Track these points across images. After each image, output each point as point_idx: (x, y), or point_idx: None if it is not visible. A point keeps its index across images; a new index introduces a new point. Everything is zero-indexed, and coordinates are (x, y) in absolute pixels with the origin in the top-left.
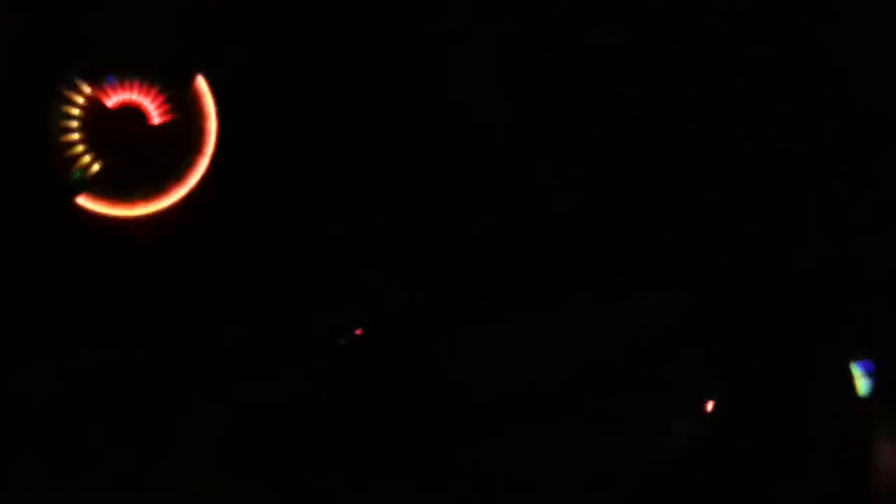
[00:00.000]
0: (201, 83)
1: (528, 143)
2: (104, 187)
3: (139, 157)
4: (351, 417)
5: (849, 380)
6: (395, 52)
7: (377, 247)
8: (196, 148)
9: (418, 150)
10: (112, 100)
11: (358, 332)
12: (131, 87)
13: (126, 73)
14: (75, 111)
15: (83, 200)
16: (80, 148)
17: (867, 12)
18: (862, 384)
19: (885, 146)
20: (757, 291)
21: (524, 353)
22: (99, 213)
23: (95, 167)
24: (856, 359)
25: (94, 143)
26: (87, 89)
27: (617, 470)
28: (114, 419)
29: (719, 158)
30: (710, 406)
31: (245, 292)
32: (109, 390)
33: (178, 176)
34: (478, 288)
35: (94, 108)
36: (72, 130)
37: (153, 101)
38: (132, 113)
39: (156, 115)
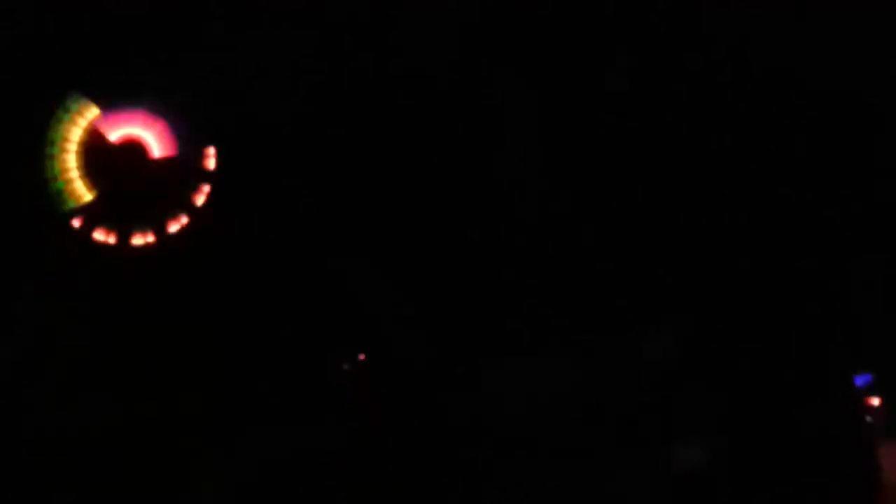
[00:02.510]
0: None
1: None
2: (102, 215)
3: (138, 186)
4: (362, 463)
5: (854, 399)
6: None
7: (385, 285)
8: (196, 179)
9: (428, 180)
10: (114, 130)
11: (361, 356)
12: (134, 118)
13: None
14: (75, 134)
15: (79, 226)
16: (74, 171)
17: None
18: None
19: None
20: (759, 315)
21: (528, 393)
22: (96, 242)
23: (86, 193)
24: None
25: (91, 170)
26: (91, 113)
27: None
28: (118, 470)
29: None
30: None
31: (250, 332)
32: (112, 440)
33: (178, 207)
34: (480, 330)
35: (95, 136)
36: (68, 152)
37: (156, 134)
38: (133, 146)
39: (157, 149)
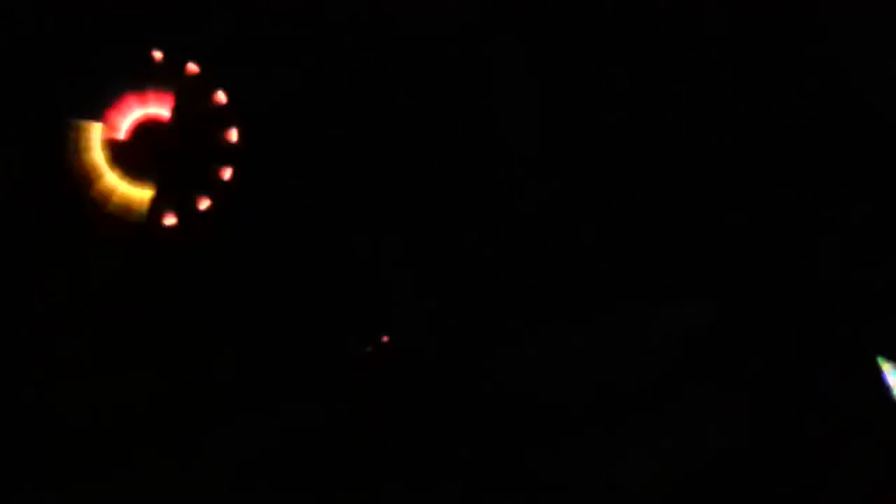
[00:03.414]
0: (220, 95)
1: (552, 152)
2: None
3: (161, 168)
4: (378, 434)
5: (882, 386)
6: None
7: (405, 259)
8: (218, 159)
9: (444, 158)
10: (127, 119)
11: (384, 338)
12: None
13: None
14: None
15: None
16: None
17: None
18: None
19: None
20: (785, 299)
21: (553, 367)
22: (122, 224)
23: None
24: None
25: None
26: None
27: (647, 483)
28: (130, 441)
29: (747, 167)
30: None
31: (270, 309)
32: (124, 410)
33: (201, 188)
34: (507, 299)
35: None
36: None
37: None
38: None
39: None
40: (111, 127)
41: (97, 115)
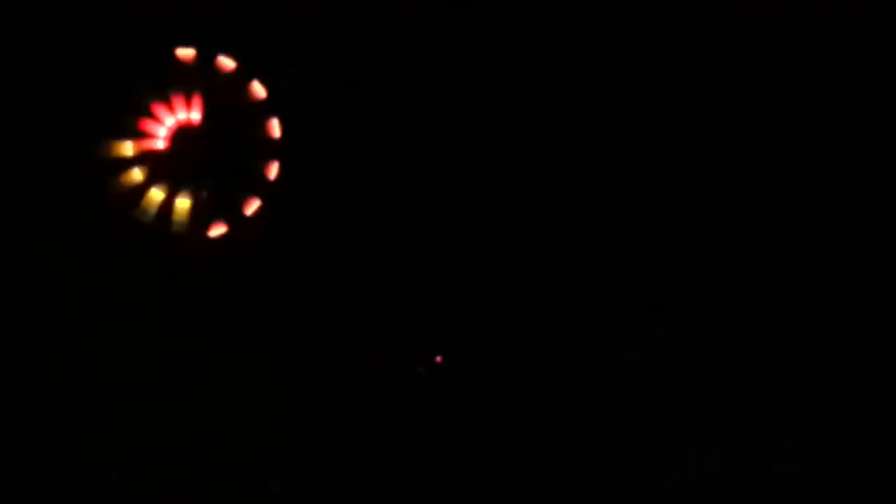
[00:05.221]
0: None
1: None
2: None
3: (205, 177)
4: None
5: None
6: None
7: (469, 263)
8: (262, 170)
9: (506, 164)
10: (166, 125)
11: (438, 359)
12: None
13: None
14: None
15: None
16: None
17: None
18: None
19: None
20: (860, 313)
21: (623, 374)
22: (165, 235)
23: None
24: None
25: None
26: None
27: (719, 494)
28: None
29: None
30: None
31: (323, 316)
32: (181, 419)
33: (246, 196)
34: (580, 309)
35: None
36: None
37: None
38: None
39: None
40: (146, 138)
41: (129, 130)
